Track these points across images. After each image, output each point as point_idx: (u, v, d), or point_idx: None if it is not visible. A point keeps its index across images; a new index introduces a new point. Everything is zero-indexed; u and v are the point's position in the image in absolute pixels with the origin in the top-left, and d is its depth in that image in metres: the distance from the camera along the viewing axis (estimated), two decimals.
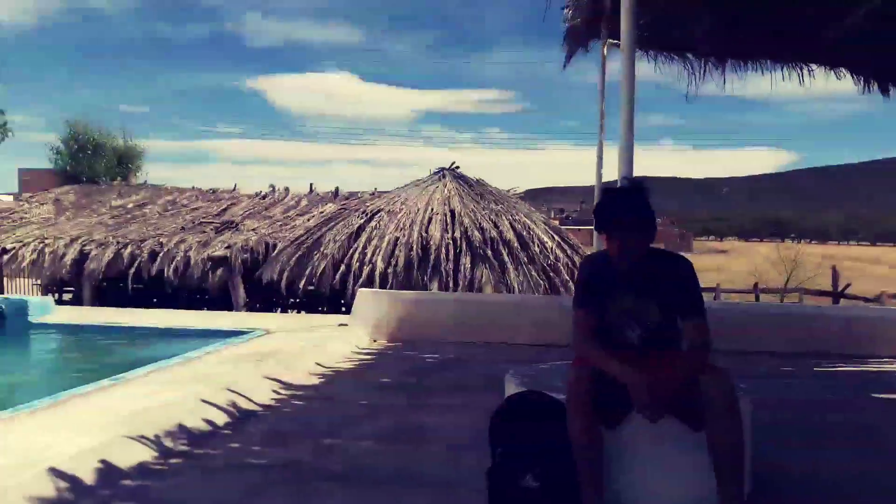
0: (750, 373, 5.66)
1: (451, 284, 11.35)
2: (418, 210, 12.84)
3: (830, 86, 7.32)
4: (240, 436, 3.75)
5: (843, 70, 6.83)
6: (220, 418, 3.96)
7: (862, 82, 6.91)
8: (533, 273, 12.13)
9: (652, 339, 2.93)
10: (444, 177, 14.04)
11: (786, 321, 7.01)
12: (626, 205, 2.85)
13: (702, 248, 63.37)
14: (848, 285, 18.17)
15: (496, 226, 12.62)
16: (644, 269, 2.88)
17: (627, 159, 4.81)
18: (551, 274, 12.32)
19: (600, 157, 7.26)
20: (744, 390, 3.09)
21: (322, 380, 5.14)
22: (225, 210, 16.62)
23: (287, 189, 18.06)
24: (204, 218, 15.97)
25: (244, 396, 4.34)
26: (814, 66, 6.78)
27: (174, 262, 13.24)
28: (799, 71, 6.83)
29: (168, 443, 3.50)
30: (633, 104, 4.64)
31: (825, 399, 4.98)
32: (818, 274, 19.55)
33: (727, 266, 35.66)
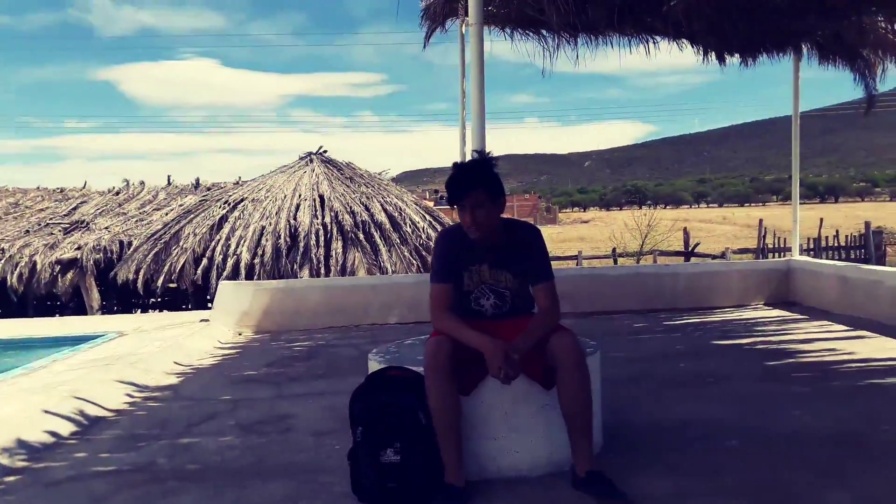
0: (606, 331, 5.99)
1: (322, 271, 11.19)
2: (285, 197, 12.53)
3: (674, 59, 7.77)
4: (86, 444, 3.52)
5: (685, 41, 7.23)
6: (65, 428, 3.70)
7: (701, 52, 7.36)
8: (406, 254, 12.19)
9: (506, 306, 3.02)
10: (311, 161, 13.76)
11: (638, 281, 7.46)
12: (473, 177, 2.89)
13: (567, 219, 66.15)
14: (697, 244, 19.63)
15: (367, 209, 12.55)
16: (496, 240, 2.94)
17: (480, 134, 4.87)
18: (424, 253, 12.42)
19: (463, 136, 7.32)
20: (594, 346, 3.25)
21: (180, 379, 4.91)
22: (74, 209, 15.53)
23: (143, 183, 17.15)
24: (51, 219, 14.84)
25: (93, 403, 4.07)
26: (658, 39, 7.13)
27: (18, 269, 12.22)
28: (645, 44, 7.16)
29: (4, 460, 3.22)
30: (483, 80, 4.69)
31: (672, 350, 5.35)
32: (671, 236, 20.98)
33: (590, 235, 37.52)
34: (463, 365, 2.79)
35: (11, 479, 3.07)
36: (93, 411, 3.99)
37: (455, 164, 2.98)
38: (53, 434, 3.59)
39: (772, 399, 3.94)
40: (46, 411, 3.79)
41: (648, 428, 3.49)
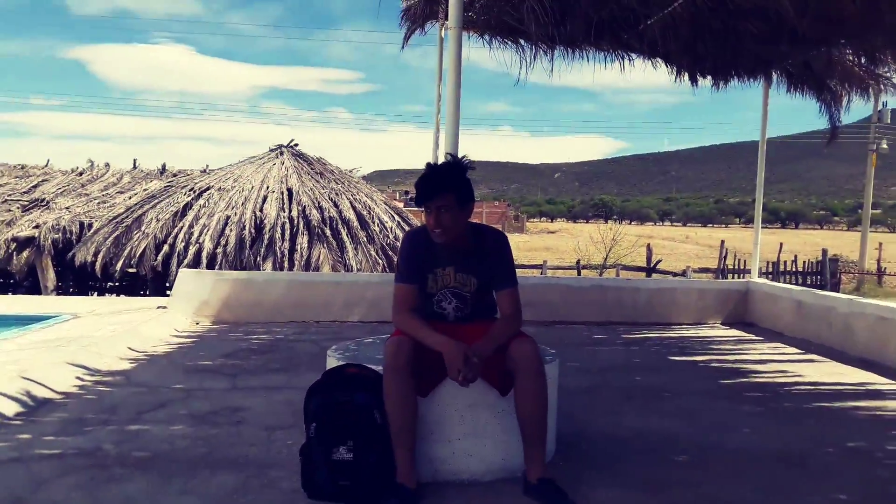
0: (565, 341, 6.04)
1: (286, 265, 11.09)
2: (252, 188, 12.39)
3: (648, 77, 7.89)
4: (31, 425, 3.42)
5: (660, 60, 7.34)
6: (10, 408, 3.60)
7: (675, 72, 7.48)
8: (372, 252, 12.14)
9: (468, 310, 3.01)
10: (281, 154, 13.62)
11: (600, 293, 7.53)
12: (443, 180, 2.88)
13: (535, 228, 66.62)
14: (659, 261, 19.93)
15: (336, 205, 12.47)
16: (462, 244, 2.94)
17: (454, 139, 4.89)
18: (390, 253, 12.38)
19: (437, 140, 7.32)
20: (553, 356, 3.27)
21: (134, 365, 4.81)
22: (35, 187, 15.13)
23: (107, 165, 16.81)
24: (10, 195, 14.43)
25: (40, 384, 3.97)
26: (634, 56, 7.22)
27: None
28: (620, 60, 7.25)
29: None
30: (460, 84, 4.70)
31: (629, 363, 5.41)
32: (634, 252, 21.27)
33: (555, 245, 37.80)
34: (422, 366, 2.78)
35: None
36: (40, 393, 3.89)
37: (428, 165, 2.97)
38: None
39: (723, 416, 4.01)
40: None
41: (601, 439, 3.52)
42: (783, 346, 6.29)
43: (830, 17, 5.60)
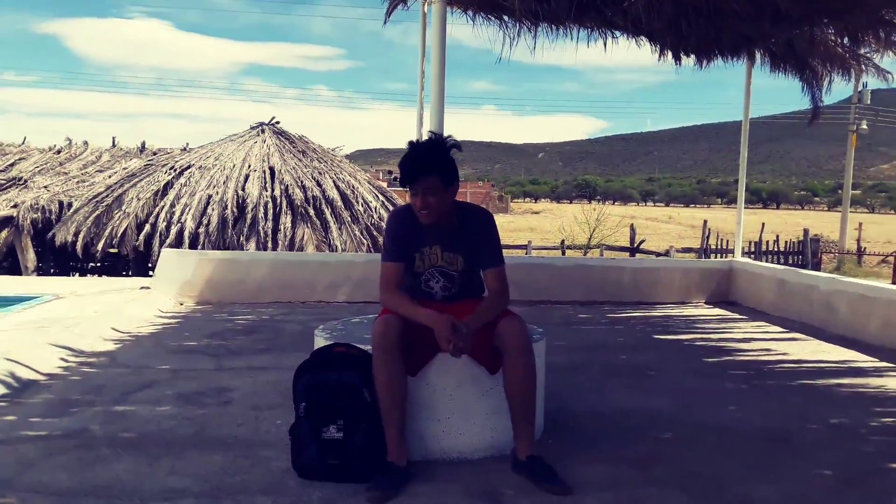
0: (551, 320, 6.07)
1: (269, 245, 11.01)
2: (234, 166, 12.25)
3: (632, 56, 7.86)
4: (17, 407, 3.39)
5: (643, 38, 7.31)
6: None
7: (658, 50, 7.45)
8: (357, 232, 12.09)
9: (455, 289, 3.01)
10: (263, 132, 13.46)
11: (585, 273, 7.56)
12: (427, 161, 2.85)
13: (518, 209, 66.68)
14: (643, 241, 20.08)
15: (319, 184, 12.37)
16: (448, 223, 2.93)
17: (439, 117, 4.88)
18: (375, 233, 12.34)
19: (421, 118, 7.23)
20: (541, 334, 3.28)
21: (118, 346, 4.78)
22: (12, 165, 14.90)
23: (86, 143, 16.58)
24: None
25: (24, 366, 3.93)
26: (618, 34, 7.18)
27: None
28: (604, 38, 7.19)
29: None
30: (444, 61, 4.69)
31: (614, 342, 5.45)
32: (618, 232, 21.36)
33: (540, 226, 37.88)
34: (411, 345, 2.78)
35: None
36: (24, 374, 3.85)
37: (410, 143, 2.93)
38: None
39: (707, 394, 4.06)
40: None
41: (588, 416, 3.56)
42: (766, 324, 6.37)
43: None
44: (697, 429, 3.41)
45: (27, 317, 5.28)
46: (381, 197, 13.29)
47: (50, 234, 11.47)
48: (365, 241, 12.13)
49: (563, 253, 17.75)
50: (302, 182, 12.20)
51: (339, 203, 12.20)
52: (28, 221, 12.04)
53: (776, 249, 17.70)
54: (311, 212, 11.76)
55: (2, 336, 4.54)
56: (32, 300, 6.04)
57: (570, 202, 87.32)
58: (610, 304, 7.21)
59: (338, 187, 12.52)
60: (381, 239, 12.48)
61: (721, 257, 16.20)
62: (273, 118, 14.01)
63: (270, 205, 11.56)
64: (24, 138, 16.91)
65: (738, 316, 6.81)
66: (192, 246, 10.46)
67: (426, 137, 2.98)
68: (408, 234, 2.94)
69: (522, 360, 2.78)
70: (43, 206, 12.43)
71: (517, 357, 2.78)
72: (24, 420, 3.22)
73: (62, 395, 3.61)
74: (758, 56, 7.66)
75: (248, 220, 11.23)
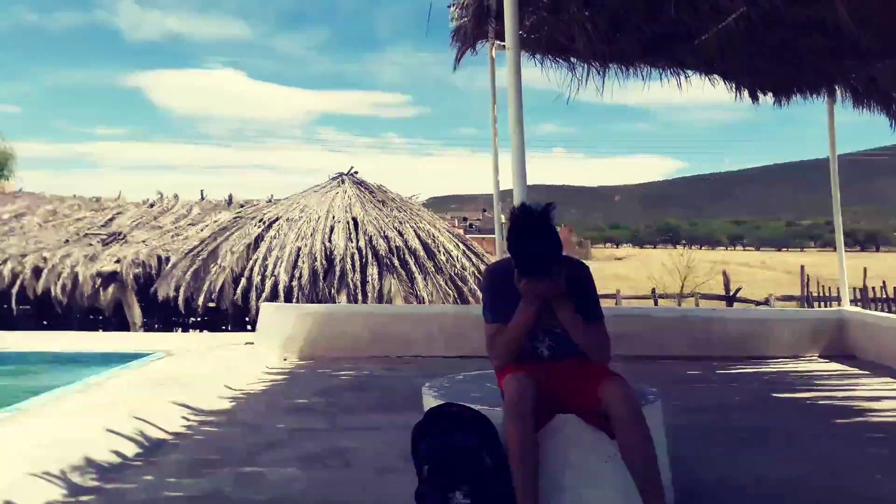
0: (657, 377, 5.84)
1: (359, 296, 11.11)
2: (319, 218, 12.45)
3: (706, 94, 7.71)
4: (153, 467, 3.50)
5: (717, 77, 7.15)
6: (130, 449, 3.69)
7: (733, 88, 7.27)
8: (441, 283, 12.07)
9: (563, 347, 2.89)
10: (343, 182, 13.70)
11: (686, 325, 7.30)
12: (544, 260, 2.79)
13: (600, 255, 65.60)
14: (739, 289, 19.24)
15: (401, 234, 12.43)
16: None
17: (519, 162, 4.59)
18: (459, 283, 12.31)
19: (496, 164, 6.99)
20: (655, 394, 3.12)
21: (234, 403, 4.89)
22: (111, 220, 15.71)
23: (177, 196, 17.30)
24: (89, 229, 15.02)
25: (152, 424, 4.06)
26: (690, 73, 7.04)
27: (61, 279, 12.38)
28: (677, 77, 7.05)
29: (76, 478, 3.22)
30: (521, 104, 4.49)
31: (732, 401, 5.19)
32: (710, 279, 20.63)
33: (625, 273, 37.07)
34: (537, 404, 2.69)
35: (86, 498, 3.06)
36: (153, 433, 3.98)
37: (513, 225, 2.85)
38: (119, 454, 3.58)
39: (847, 460, 3.80)
40: (109, 430, 3.78)
41: (720, 486, 3.37)
42: (893, 380, 5.96)
43: (894, 29, 5.37)
44: (845, 501, 3.18)
45: (145, 374, 5.49)
46: (461, 246, 13.26)
47: (152, 289, 11.96)
48: (450, 292, 12.07)
49: (656, 302, 17.24)
50: (384, 232, 12.31)
51: (422, 253, 12.20)
52: (131, 277, 12.60)
53: (885, 297, 16.59)
54: (396, 262, 11.80)
55: (126, 394, 4.73)
56: (146, 357, 6.29)
57: (654, 247, 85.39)
58: (716, 359, 6.89)
59: (419, 237, 12.54)
60: (465, 288, 12.45)
61: (825, 306, 15.40)
62: (351, 168, 14.28)
63: (357, 256, 11.68)
64: (119, 193, 17.78)
65: (858, 371, 6.40)
66: (287, 299, 10.70)
67: (525, 221, 2.84)
68: (506, 292, 2.86)
69: (634, 429, 2.62)
70: (143, 261, 13.00)
71: (628, 427, 2.62)
72: (162, 480, 3.31)
73: (192, 455, 3.70)
74: (839, 92, 7.37)
75: (338, 272, 11.39)
